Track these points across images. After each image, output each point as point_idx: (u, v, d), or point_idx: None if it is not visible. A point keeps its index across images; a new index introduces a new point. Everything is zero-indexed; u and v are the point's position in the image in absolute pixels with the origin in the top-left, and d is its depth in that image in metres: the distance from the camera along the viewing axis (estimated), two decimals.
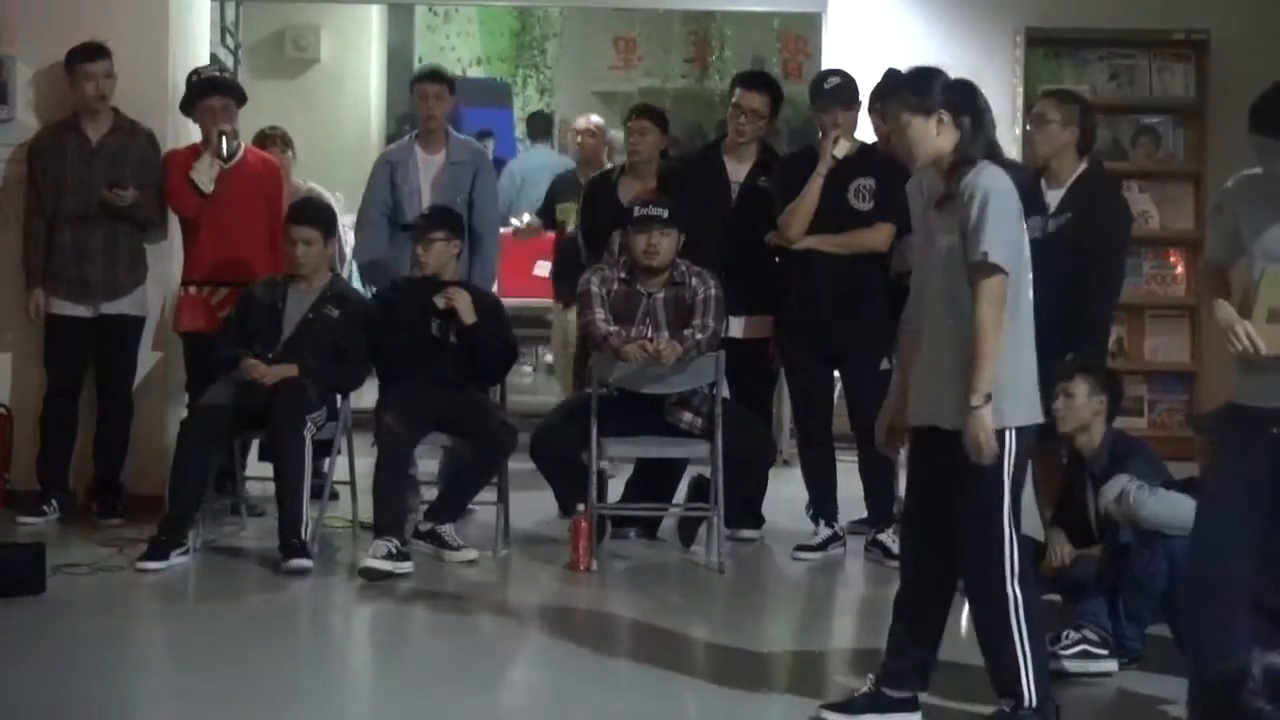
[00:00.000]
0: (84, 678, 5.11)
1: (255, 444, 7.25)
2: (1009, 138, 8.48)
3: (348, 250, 9.04)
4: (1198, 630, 4.37)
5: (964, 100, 4.53)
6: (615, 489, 7.41)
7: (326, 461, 6.96)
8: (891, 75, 4.87)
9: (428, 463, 7.47)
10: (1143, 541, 5.26)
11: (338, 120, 13.29)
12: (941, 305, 4.52)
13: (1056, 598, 5.68)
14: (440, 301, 6.82)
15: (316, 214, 7.08)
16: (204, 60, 8.16)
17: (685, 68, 16.52)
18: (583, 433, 6.62)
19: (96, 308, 7.28)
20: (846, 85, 6.86)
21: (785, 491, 7.50)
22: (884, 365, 6.58)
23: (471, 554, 6.69)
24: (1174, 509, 5.15)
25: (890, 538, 6.54)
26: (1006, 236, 4.40)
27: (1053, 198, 6.20)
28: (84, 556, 6.51)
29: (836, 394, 7.09)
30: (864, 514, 6.99)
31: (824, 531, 6.92)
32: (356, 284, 8.57)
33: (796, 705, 4.89)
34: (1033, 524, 5.69)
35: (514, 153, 13.23)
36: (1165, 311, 9.21)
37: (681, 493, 7.31)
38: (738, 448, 6.68)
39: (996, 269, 4.38)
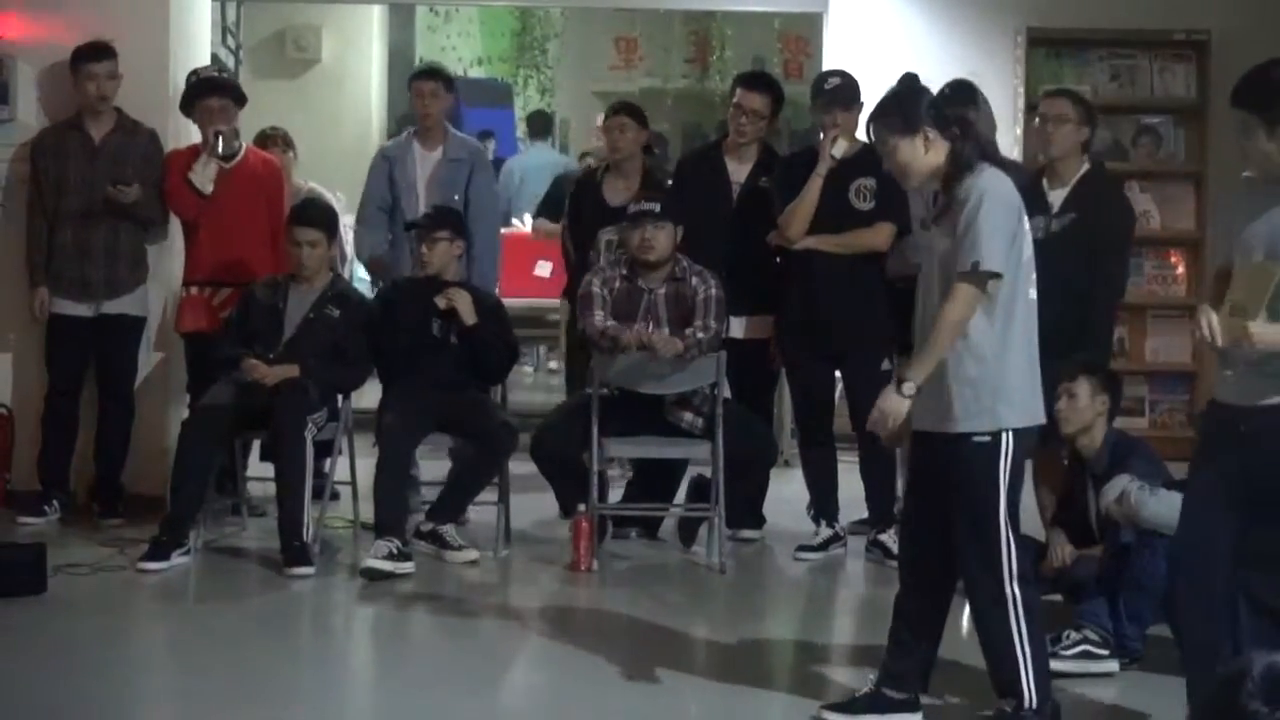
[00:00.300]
0: (84, 678, 5.10)
1: (256, 444, 7.25)
2: (1010, 138, 8.49)
3: (348, 250, 9.03)
4: (1187, 628, 4.37)
5: (950, 110, 4.47)
6: (615, 490, 7.42)
7: (327, 462, 6.95)
8: (881, 102, 4.67)
9: (430, 463, 7.48)
10: (1143, 542, 5.26)
11: (338, 120, 13.28)
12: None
13: (1057, 598, 5.68)
14: (441, 302, 6.82)
15: (319, 215, 7.07)
16: (205, 61, 8.17)
17: (686, 68, 16.53)
18: (583, 433, 6.62)
19: (98, 307, 7.28)
20: (847, 86, 6.86)
21: (786, 492, 7.50)
22: (885, 365, 6.59)
23: (472, 554, 6.69)
24: (1174, 509, 5.09)
25: (891, 538, 6.53)
26: (1001, 241, 4.36)
27: (1055, 197, 6.17)
28: (85, 556, 6.51)
29: (837, 394, 7.09)
30: (865, 514, 7.00)
31: (825, 532, 6.93)
32: (358, 283, 8.57)
33: (797, 705, 4.89)
34: (1033, 524, 5.70)
35: (515, 153, 13.22)
36: (1166, 312, 9.19)
37: (682, 493, 7.31)
38: (738, 448, 6.67)
39: (987, 276, 4.35)
